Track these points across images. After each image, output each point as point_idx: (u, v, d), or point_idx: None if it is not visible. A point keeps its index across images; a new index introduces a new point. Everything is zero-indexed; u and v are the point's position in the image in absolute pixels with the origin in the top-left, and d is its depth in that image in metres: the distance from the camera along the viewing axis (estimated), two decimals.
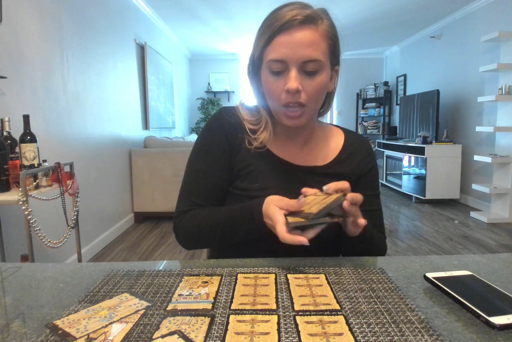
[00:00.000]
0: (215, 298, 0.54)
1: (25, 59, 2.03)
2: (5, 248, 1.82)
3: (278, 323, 0.47)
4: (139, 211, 3.72)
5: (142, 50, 4.09)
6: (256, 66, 0.77)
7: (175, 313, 0.50)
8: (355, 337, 0.44)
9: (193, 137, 5.61)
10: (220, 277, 0.62)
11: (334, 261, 0.70)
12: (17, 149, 1.62)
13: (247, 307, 0.51)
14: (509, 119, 3.60)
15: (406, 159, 4.99)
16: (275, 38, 0.70)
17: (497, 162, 3.66)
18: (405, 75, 6.22)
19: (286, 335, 0.44)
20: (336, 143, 0.87)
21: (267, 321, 0.47)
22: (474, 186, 3.91)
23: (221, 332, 0.45)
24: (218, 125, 0.83)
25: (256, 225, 0.70)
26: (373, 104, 6.82)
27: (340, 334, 0.44)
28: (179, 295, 0.55)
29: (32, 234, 1.54)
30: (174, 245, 2.98)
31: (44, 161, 1.77)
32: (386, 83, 6.65)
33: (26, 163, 1.64)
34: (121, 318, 0.49)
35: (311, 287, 0.58)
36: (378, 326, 0.46)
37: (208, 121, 0.85)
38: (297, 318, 0.48)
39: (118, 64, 3.39)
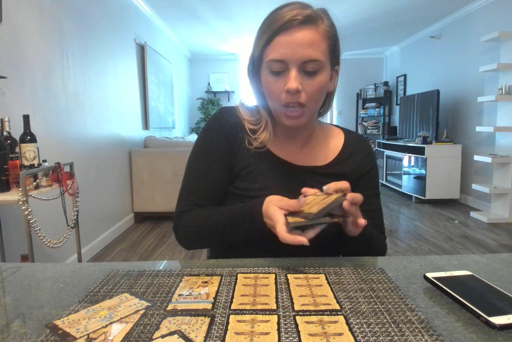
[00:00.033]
0: (215, 298, 0.54)
1: (25, 59, 2.03)
2: (5, 248, 1.82)
3: (278, 323, 0.47)
4: (139, 211, 3.72)
5: (142, 50, 4.09)
6: (256, 66, 0.77)
7: (175, 313, 0.50)
8: (355, 337, 0.44)
9: (193, 137, 5.61)
10: (220, 277, 0.62)
11: (334, 261, 0.70)
12: (17, 149, 1.62)
13: (247, 307, 0.51)
14: (509, 119, 3.60)
15: (406, 159, 4.99)
16: (275, 38, 0.70)
17: (497, 162, 3.66)
18: (405, 75, 6.22)
19: (286, 335, 0.44)
20: (336, 143, 0.87)
21: (267, 321, 0.47)
22: (474, 186, 3.91)
23: (221, 332, 0.45)
24: (218, 125, 0.83)
25: (256, 225, 0.70)
26: (373, 104, 6.82)
27: (340, 334, 0.44)
28: (179, 295, 0.55)
29: (32, 234, 1.54)
30: (174, 245, 2.98)
31: (44, 161, 1.77)
32: (386, 83, 6.65)
33: (26, 163, 1.64)
34: (121, 318, 0.49)
35: (311, 287, 0.58)
36: (378, 326, 0.46)
37: (208, 121, 0.85)
38: (297, 318, 0.48)
39: (118, 64, 3.39)
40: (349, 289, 0.57)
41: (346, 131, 0.91)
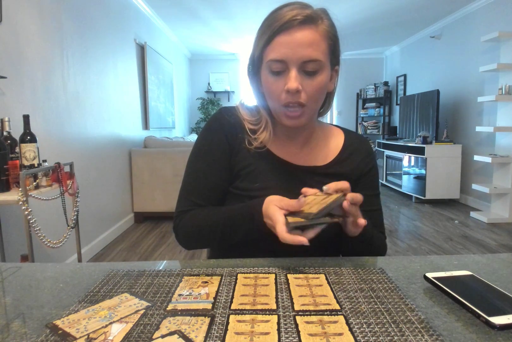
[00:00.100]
0: (215, 298, 0.54)
1: (25, 59, 2.03)
2: (5, 248, 1.82)
3: (278, 323, 0.47)
4: (139, 211, 3.72)
5: (142, 50, 4.09)
6: (256, 66, 0.77)
7: (175, 313, 0.50)
8: (355, 337, 0.44)
9: (193, 137, 5.61)
10: (220, 277, 0.62)
11: (334, 261, 0.70)
12: (17, 149, 1.62)
13: (247, 307, 0.51)
14: (509, 119, 3.60)
15: (406, 159, 4.99)
16: (275, 38, 0.70)
17: (497, 162, 3.66)
18: (405, 75, 6.22)
19: (286, 335, 0.44)
20: (336, 143, 0.87)
21: (267, 321, 0.47)
22: (474, 186, 3.91)
23: (221, 332, 0.45)
24: (218, 125, 0.83)
25: (256, 225, 0.70)
26: (373, 104, 6.82)
27: (340, 334, 0.44)
28: (179, 295, 0.55)
29: (32, 234, 1.54)
30: (174, 245, 2.98)
31: (44, 161, 1.77)
32: (386, 83, 6.65)
33: (26, 163, 1.64)
34: (121, 318, 0.49)
35: (311, 287, 0.58)
36: (378, 326, 0.46)
37: (208, 121, 0.85)
38: (297, 318, 0.48)
39: (118, 64, 3.39)
40: (349, 289, 0.57)
41: (346, 131, 0.91)
